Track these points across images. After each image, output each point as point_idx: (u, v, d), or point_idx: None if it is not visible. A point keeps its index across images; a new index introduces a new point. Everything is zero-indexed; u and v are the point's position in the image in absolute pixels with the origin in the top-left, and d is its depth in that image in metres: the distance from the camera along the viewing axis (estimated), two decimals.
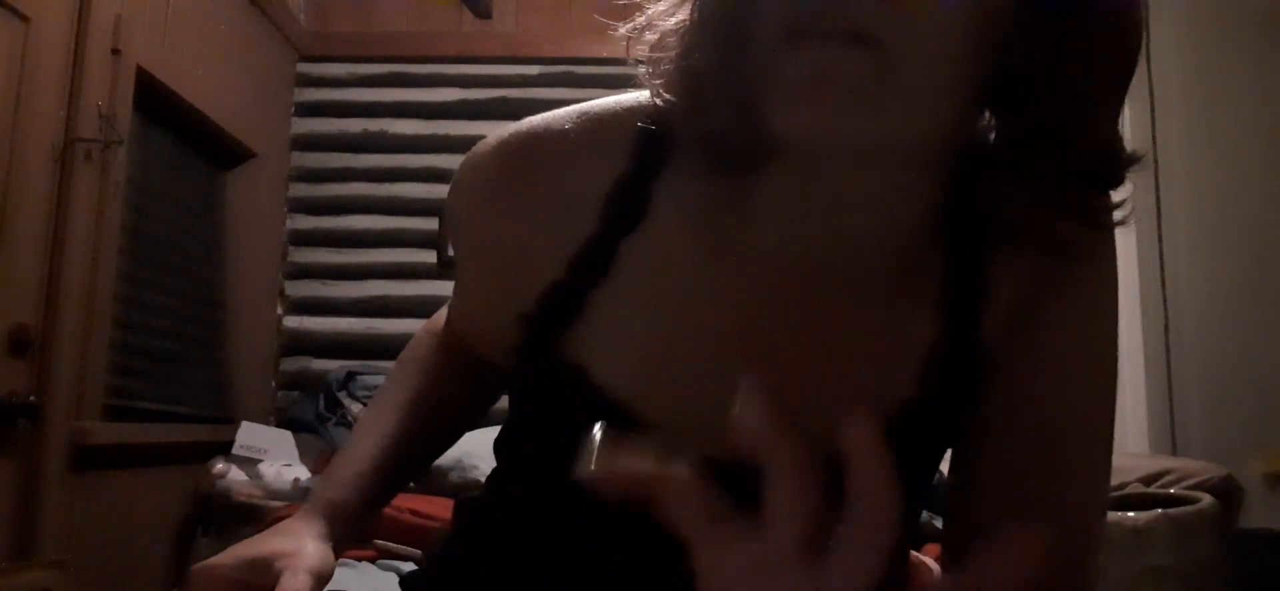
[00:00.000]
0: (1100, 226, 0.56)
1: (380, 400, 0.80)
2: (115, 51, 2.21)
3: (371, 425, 0.77)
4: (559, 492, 0.66)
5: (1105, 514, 0.62)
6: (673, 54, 0.56)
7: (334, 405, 2.89)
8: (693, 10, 0.55)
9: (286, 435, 2.81)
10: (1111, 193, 0.55)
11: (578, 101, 0.65)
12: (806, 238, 0.57)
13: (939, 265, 0.60)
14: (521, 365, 0.67)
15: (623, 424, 0.59)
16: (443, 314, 0.83)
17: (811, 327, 0.59)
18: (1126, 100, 0.54)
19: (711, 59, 0.53)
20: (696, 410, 0.59)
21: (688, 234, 0.60)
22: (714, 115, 0.54)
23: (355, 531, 0.73)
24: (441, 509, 1.94)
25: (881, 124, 0.47)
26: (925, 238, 0.59)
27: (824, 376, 0.60)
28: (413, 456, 0.79)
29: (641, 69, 0.58)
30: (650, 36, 0.58)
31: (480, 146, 0.66)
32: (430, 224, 3.25)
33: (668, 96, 0.56)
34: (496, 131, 0.66)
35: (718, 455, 0.60)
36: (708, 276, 0.60)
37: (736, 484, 0.60)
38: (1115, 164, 0.53)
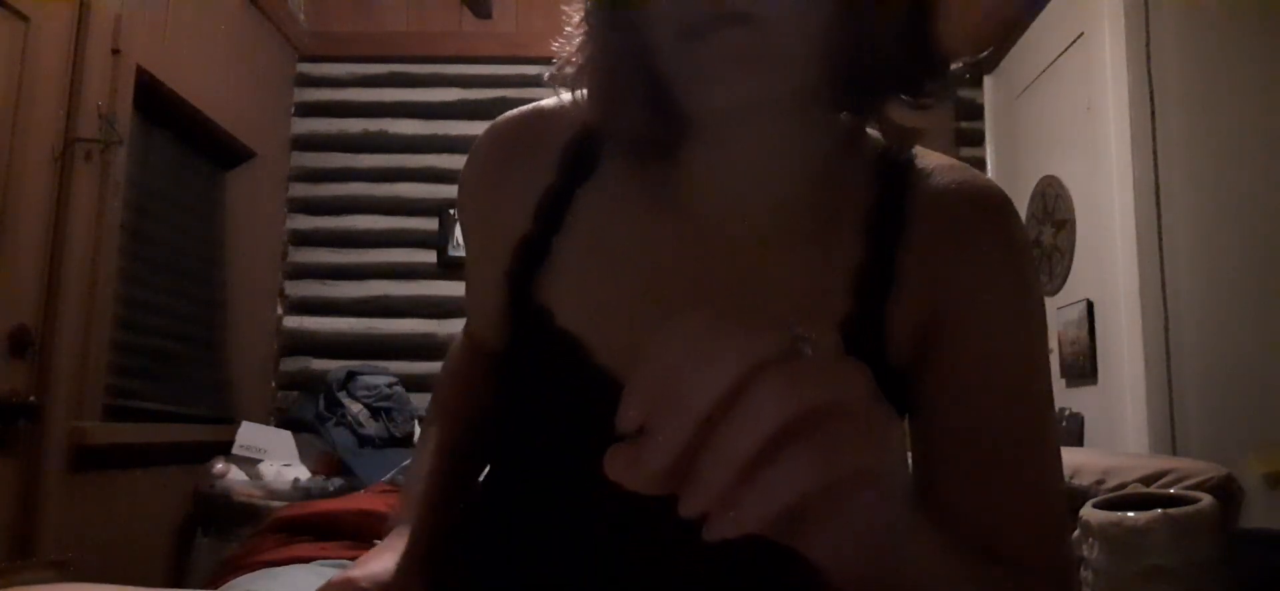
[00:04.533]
0: (927, 108, 0.63)
1: (426, 435, 0.82)
2: (115, 51, 2.21)
3: (426, 455, 0.80)
4: (541, 439, 0.67)
5: (1061, 478, 0.64)
6: (579, 61, 0.64)
7: (334, 405, 2.89)
8: (588, 23, 0.63)
9: (286, 435, 2.81)
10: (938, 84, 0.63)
11: None
12: (727, 188, 0.65)
13: (863, 201, 0.66)
14: (507, 322, 0.70)
15: (582, 363, 0.64)
16: (455, 347, 0.87)
17: (743, 267, 0.64)
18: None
19: (615, 65, 0.62)
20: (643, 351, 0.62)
21: (632, 183, 0.67)
22: (626, 116, 0.63)
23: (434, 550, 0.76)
24: None
25: (766, 83, 0.55)
26: (845, 191, 0.66)
27: (760, 316, 0.62)
28: (467, 472, 0.81)
29: (556, 74, 0.66)
30: (567, 49, 0.65)
31: (477, 138, 0.74)
32: (430, 224, 3.25)
33: (582, 95, 0.65)
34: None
35: None
36: (649, 222, 0.66)
37: None
38: (937, 61, 0.61)
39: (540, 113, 0.72)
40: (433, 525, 0.76)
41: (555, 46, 0.66)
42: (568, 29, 0.66)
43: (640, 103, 0.61)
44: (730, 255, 0.64)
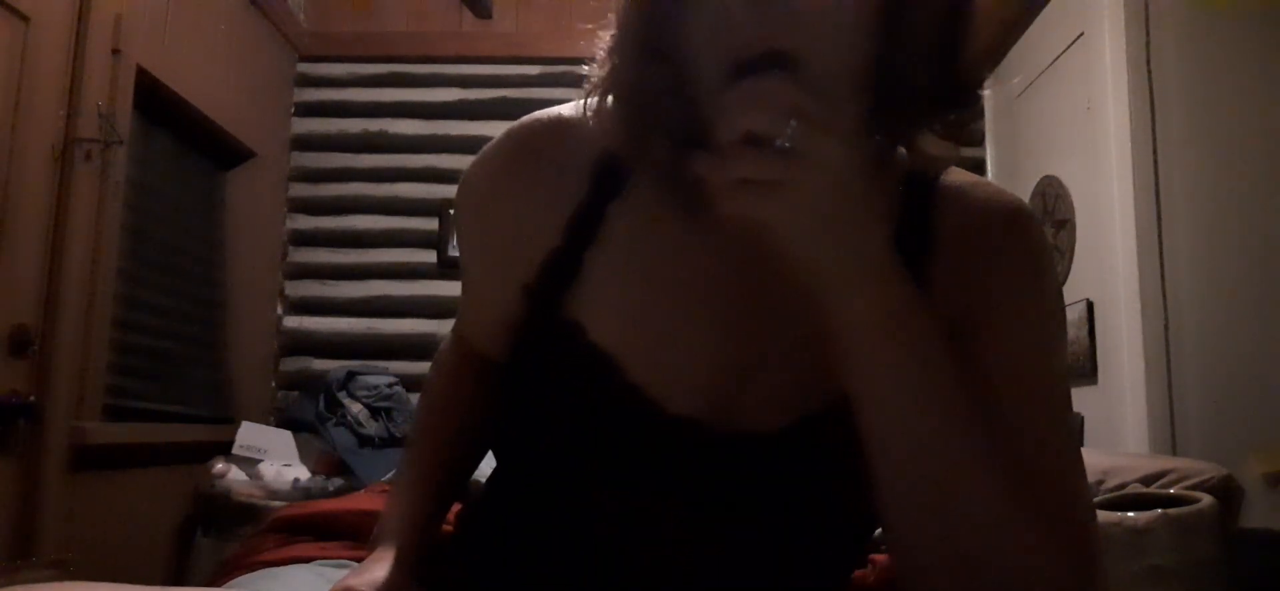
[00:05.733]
0: (960, 139, 0.64)
1: (414, 442, 0.82)
2: (115, 51, 2.21)
3: (413, 465, 0.80)
4: (564, 452, 0.67)
5: (1086, 483, 0.64)
6: (609, 82, 0.63)
7: (334, 405, 2.89)
8: (621, 44, 0.62)
9: (286, 435, 2.81)
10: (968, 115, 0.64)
11: None
12: None
13: (891, 217, 0.65)
14: (525, 334, 0.69)
15: (614, 380, 0.64)
16: (444, 352, 0.85)
17: (775, 285, 0.64)
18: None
19: (649, 96, 0.60)
20: (677, 370, 0.65)
21: (664, 201, 0.65)
22: (655, 147, 0.61)
23: (422, 559, 0.76)
24: None
25: None
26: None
27: (789, 335, 0.65)
28: (453, 484, 0.82)
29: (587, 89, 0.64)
30: (595, 66, 0.64)
31: (486, 145, 0.72)
32: (430, 224, 3.25)
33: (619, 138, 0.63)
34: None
35: (692, 414, 0.63)
36: (682, 241, 0.65)
37: (706, 443, 0.63)
38: (966, 91, 0.62)
39: (566, 123, 0.69)
40: (424, 533, 0.75)
41: (586, 68, 0.65)
42: (598, 47, 0.64)
43: (672, 134, 0.60)
44: (762, 273, 0.64)
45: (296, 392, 3.11)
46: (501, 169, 0.70)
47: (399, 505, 0.76)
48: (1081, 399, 2.50)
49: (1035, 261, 0.66)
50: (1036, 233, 0.68)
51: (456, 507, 0.83)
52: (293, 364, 3.22)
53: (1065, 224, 2.63)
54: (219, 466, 2.56)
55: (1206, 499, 1.55)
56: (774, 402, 0.64)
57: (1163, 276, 2.19)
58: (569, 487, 0.68)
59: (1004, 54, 3.07)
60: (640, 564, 0.67)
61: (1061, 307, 0.68)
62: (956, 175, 0.70)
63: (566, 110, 0.70)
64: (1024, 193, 2.88)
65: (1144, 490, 1.67)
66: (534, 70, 3.31)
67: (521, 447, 0.74)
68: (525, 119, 0.71)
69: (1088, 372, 2.45)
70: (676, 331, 0.65)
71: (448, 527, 0.82)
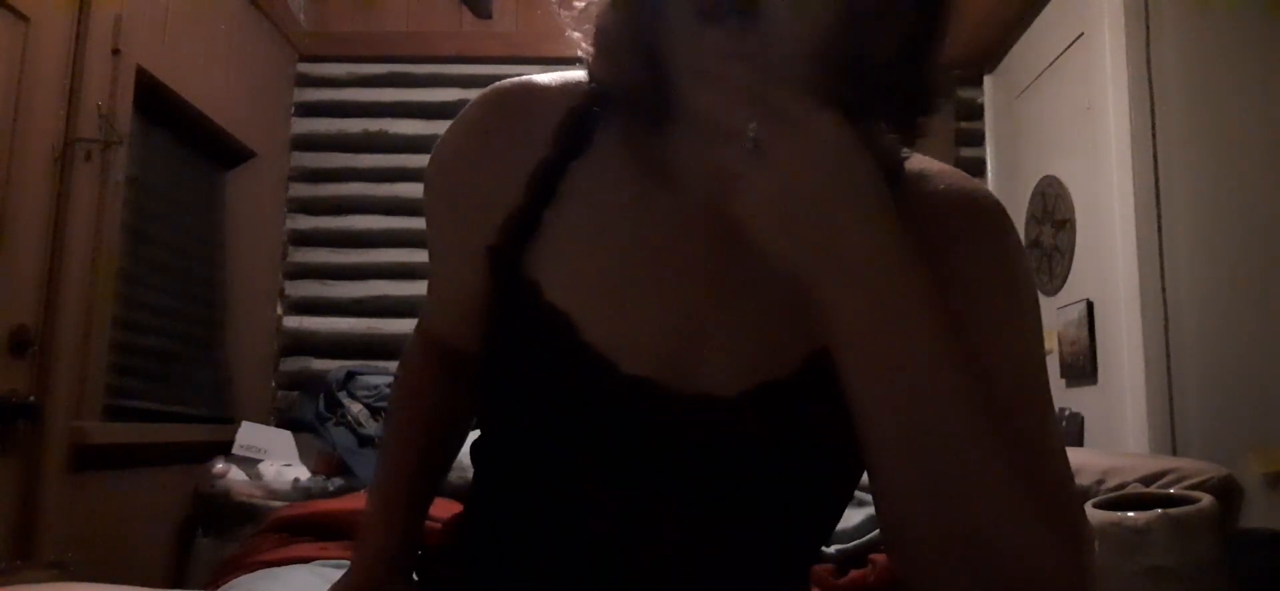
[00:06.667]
0: (918, 136, 0.64)
1: (386, 443, 0.82)
2: (115, 51, 2.21)
3: (387, 468, 0.80)
4: (528, 418, 0.67)
5: (1069, 476, 0.63)
6: (593, 25, 0.64)
7: (334, 405, 2.89)
8: None
9: (286, 435, 2.81)
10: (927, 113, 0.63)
11: None
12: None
13: None
14: (490, 302, 0.69)
15: (569, 340, 0.63)
16: (409, 348, 0.85)
17: (734, 252, 0.63)
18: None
19: (627, 30, 0.61)
20: (632, 330, 0.64)
21: (626, 160, 0.66)
22: (629, 76, 0.62)
23: (406, 563, 0.77)
24: (440, 509, 1.93)
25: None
26: None
27: (750, 300, 0.64)
28: (430, 481, 0.82)
29: (575, 37, 0.65)
30: (578, 5, 0.65)
31: (455, 117, 0.72)
32: None
33: (592, 55, 0.65)
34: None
35: (648, 375, 0.63)
36: (642, 200, 0.65)
37: (662, 405, 0.63)
38: (929, 92, 0.62)
39: (534, 85, 0.70)
40: (405, 532, 0.76)
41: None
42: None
43: (643, 60, 0.60)
44: (721, 238, 0.63)
45: (296, 392, 3.11)
46: (468, 132, 0.70)
47: (374, 507, 0.76)
48: (1081, 399, 2.49)
49: (1007, 253, 0.65)
50: (1008, 224, 0.66)
51: (455, 509, 0.83)
52: (293, 364, 3.22)
53: (1065, 224, 2.63)
54: (219, 466, 2.56)
55: (1206, 499, 1.55)
56: (733, 367, 0.63)
57: (1163, 276, 2.19)
58: (535, 452, 0.68)
59: (1004, 54, 3.07)
60: (609, 526, 0.66)
61: (1036, 297, 0.67)
62: (922, 162, 0.69)
63: (537, 76, 0.71)
64: (1024, 193, 2.88)
65: (1144, 490, 1.67)
66: (534, 71, 3.31)
67: (492, 421, 0.74)
68: (499, 83, 0.71)
69: (1088, 372, 2.45)
70: (631, 290, 0.64)
71: (433, 524, 0.82)
